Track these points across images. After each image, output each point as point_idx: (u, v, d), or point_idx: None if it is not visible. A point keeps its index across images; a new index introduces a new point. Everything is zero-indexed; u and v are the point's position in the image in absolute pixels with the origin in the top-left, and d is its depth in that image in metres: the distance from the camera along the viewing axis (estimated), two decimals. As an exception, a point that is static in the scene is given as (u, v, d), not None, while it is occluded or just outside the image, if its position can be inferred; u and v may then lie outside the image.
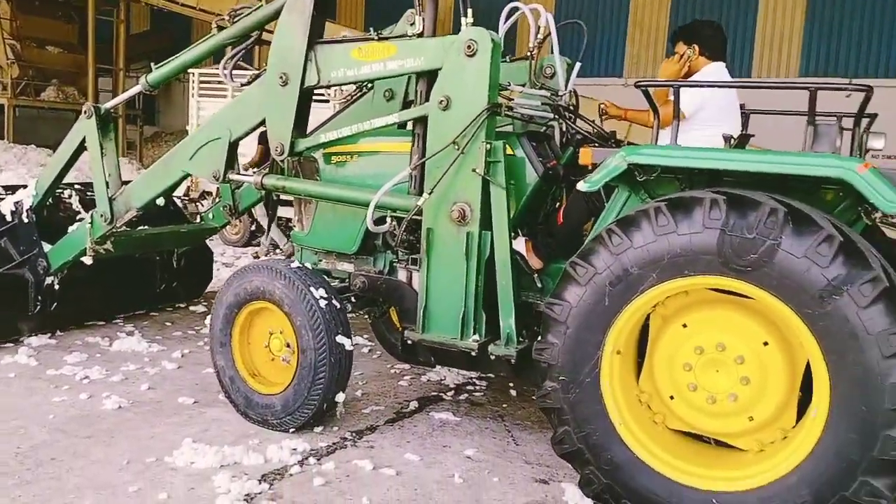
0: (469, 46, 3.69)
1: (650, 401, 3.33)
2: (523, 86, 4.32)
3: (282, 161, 4.49)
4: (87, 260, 5.34)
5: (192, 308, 6.71)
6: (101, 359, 5.17)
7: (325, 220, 4.55)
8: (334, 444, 3.96)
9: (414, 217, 3.93)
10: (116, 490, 3.35)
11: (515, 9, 4.30)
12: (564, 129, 4.30)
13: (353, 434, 4.11)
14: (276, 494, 3.39)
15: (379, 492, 3.46)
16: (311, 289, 3.90)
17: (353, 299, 4.46)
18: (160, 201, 5.30)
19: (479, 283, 3.81)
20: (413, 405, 4.60)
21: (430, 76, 3.96)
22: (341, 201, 4.39)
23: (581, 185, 3.38)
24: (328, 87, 4.47)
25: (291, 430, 4.00)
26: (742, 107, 4.33)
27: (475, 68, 3.70)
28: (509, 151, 3.87)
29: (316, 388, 3.88)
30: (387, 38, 4.12)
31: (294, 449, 3.81)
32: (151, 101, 21.56)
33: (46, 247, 5.46)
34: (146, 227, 5.87)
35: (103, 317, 6.06)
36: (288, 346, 4.06)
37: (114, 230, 5.25)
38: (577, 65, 4.46)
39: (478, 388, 5.00)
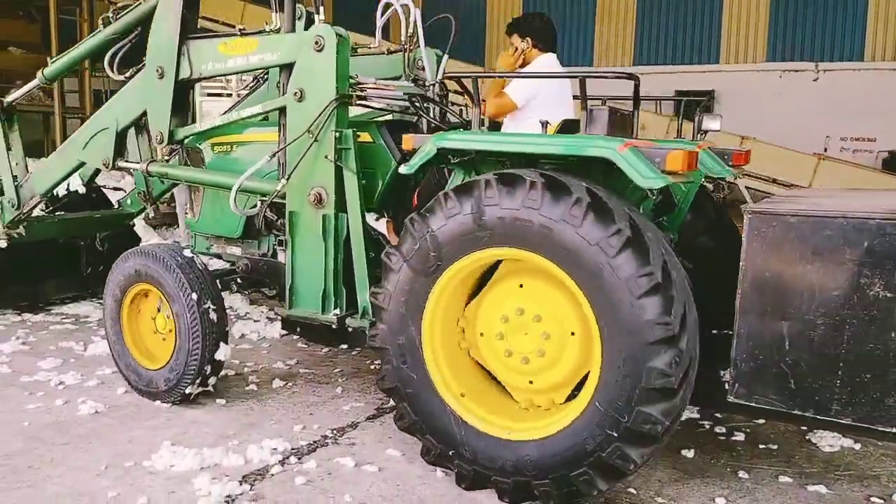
0: (317, 42, 3.98)
1: (465, 326, 3.60)
2: (398, 78, 4.63)
3: (163, 149, 4.76)
4: (2, 243, 5.79)
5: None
6: (76, 364, 5.10)
7: (212, 207, 4.88)
8: (315, 442, 3.95)
9: (282, 202, 4.22)
10: (95, 496, 3.31)
11: (389, 4, 4.60)
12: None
13: (334, 431, 4.10)
14: (257, 495, 3.37)
15: (361, 489, 3.45)
16: (175, 256, 4.30)
17: (238, 280, 4.89)
18: (81, 189, 5.94)
19: (338, 262, 4.09)
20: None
21: (289, 69, 4.18)
22: (214, 187, 4.75)
23: (402, 168, 3.69)
24: (200, 79, 4.72)
25: (188, 388, 4.26)
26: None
27: (323, 62, 3.99)
28: (367, 139, 4.21)
29: (195, 342, 4.19)
30: (249, 34, 4.42)
31: (275, 448, 3.79)
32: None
33: None
34: (63, 212, 6.31)
35: (33, 299, 6.42)
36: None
37: (22, 216, 5.67)
38: (445, 57, 4.70)
39: (457, 381, 5.00)
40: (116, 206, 6.76)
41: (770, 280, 2.98)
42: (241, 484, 3.43)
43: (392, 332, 3.51)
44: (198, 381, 4.25)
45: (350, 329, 4.10)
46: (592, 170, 3.32)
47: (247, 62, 4.37)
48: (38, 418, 4.18)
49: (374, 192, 4.24)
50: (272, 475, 3.57)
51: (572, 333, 3.27)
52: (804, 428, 4.20)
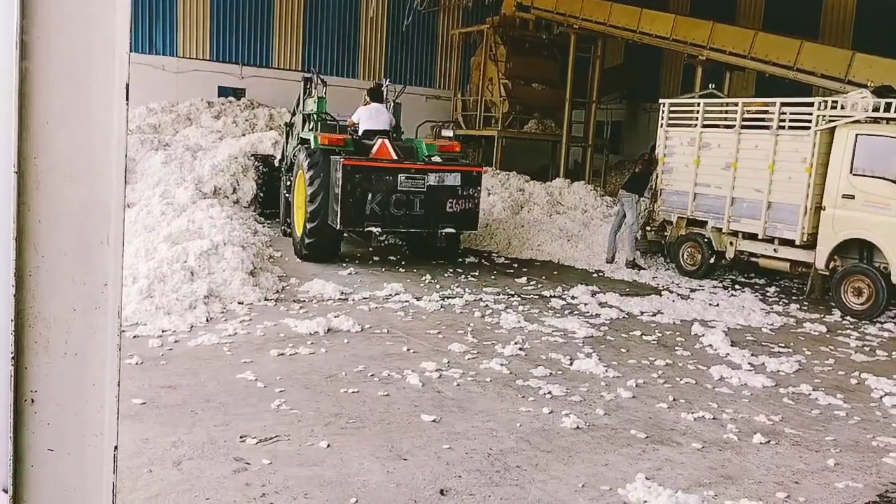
0: (315, 99, 10.82)
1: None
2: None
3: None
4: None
5: (645, 338, 6.72)
6: (562, 376, 5.44)
7: None
8: (801, 517, 3.51)
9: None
10: (572, 512, 3.44)
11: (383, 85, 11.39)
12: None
13: (825, 510, 3.59)
14: (732, 559, 3.11)
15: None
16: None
17: None
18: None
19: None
20: (903, 491, 3.85)
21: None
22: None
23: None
24: (308, 114, 10.96)
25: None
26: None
27: (316, 106, 10.62)
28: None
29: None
30: (321, 97, 10.84)
31: (754, 512, 3.48)
32: (618, 132, 22.49)
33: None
34: None
35: None
36: None
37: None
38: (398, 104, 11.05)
39: None
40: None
41: (350, 184, 8.93)
42: (714, 541, 3.21)
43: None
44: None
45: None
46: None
47: (308, 107, 10.85)
48: (528, 422, 4.54)
49: None
50: (749, 541, 3.27)
51: None
52: None
